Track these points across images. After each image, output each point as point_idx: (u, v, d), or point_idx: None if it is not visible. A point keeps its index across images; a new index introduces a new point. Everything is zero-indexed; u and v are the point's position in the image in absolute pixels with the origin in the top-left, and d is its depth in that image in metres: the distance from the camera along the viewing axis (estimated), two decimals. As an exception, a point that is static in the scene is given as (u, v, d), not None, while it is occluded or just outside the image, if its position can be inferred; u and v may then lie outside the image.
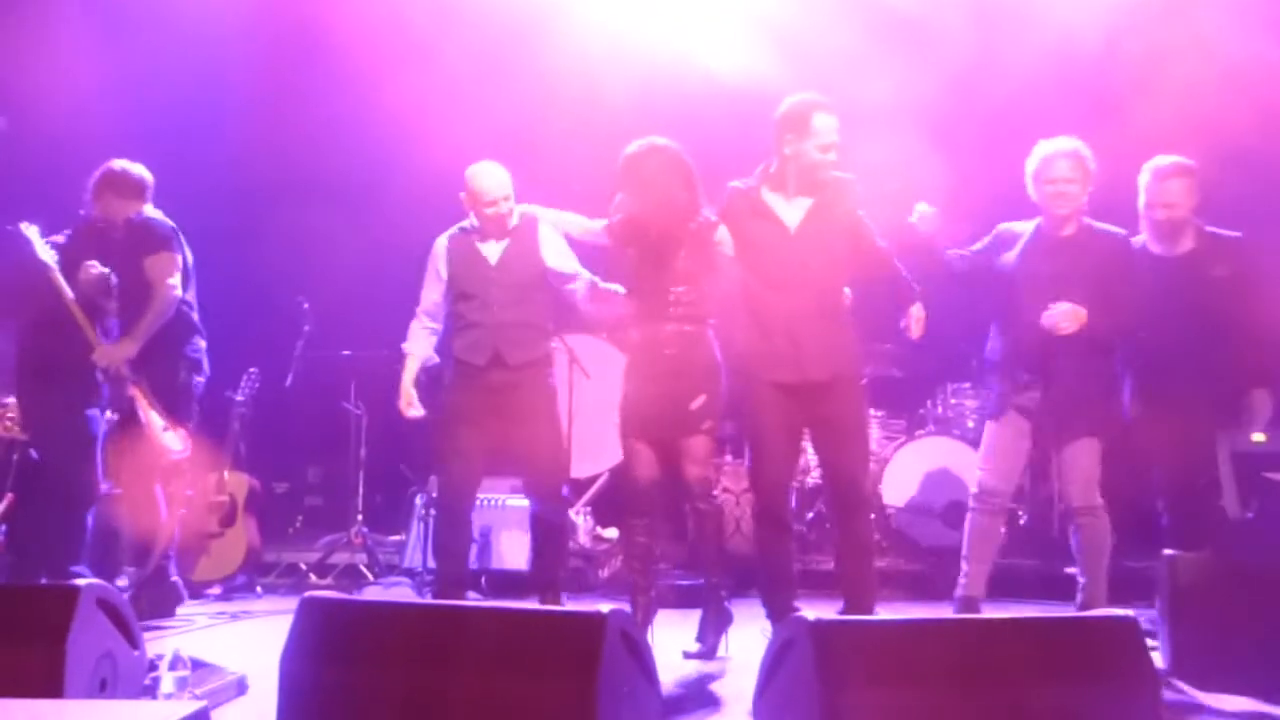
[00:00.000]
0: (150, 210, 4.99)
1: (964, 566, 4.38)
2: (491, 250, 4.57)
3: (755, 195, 4.15)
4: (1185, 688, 3.80)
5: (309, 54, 6.85)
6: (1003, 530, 4.59)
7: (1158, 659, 3.95)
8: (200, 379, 5.06)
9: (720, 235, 4.16)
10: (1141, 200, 4.44)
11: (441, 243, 4.66)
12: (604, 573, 5.97)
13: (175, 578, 4.95)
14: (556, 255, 4.57)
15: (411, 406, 4.64)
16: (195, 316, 5.03)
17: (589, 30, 6.38)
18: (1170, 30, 6.02)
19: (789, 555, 4.21)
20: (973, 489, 4.47)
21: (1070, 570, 5.23)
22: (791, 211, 4.11)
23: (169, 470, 4.90)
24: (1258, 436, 5.86)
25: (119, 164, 4.98)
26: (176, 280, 4.82)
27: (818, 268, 4.06)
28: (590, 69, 6.23)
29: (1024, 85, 6.09)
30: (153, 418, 4.78)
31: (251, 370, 6.14)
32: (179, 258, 4.88)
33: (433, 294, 4.66)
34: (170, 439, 4.82)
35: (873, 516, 6.37)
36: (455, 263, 4.59)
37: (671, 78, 6.30)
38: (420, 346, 4.68)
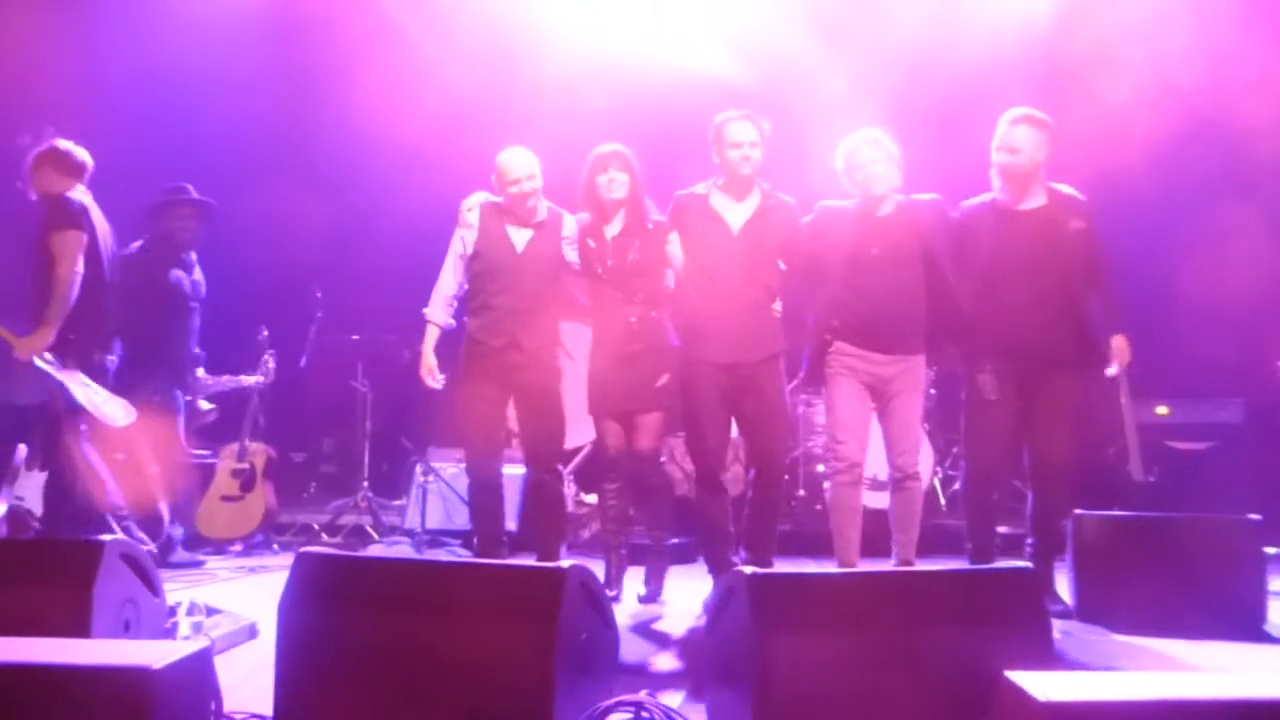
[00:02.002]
0: (80, 192, 4.57)
1: (836, 539, 4.13)
2: (519, 237, 4.31)
3: (704, 200, 4.19)
4: (1085, 628, 3.88)
5: (328, 74, 6.80)
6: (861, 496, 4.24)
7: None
8: (112, 357, 4.70)
9: (671, 237, 4.22)
10: (992, 147, 4.14)
11: (473, 213, 4.34)
12: (585, 533, 6.00)
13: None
14: (571, 250, 4.38)
15: (432, 375, 4.40)
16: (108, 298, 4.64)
17: (571, 41, 6.37)
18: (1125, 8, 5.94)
19: (726, 514, 4.23)
20: (833, 463, 4.16)
21: (1003, 529, 5.26)
22: (736, 216, 4.15)
23: (116, 438, 4.63)
24: (1161, 409, 5.96)
25: (63, 143, 4.60)
26: (78, 260, 4.38)
27: (754, 265, 4.11)
28: (570, 77, 6.22)
29: (979, 64, 5.97)
30: (90, 395, 4.46)
31: (270, 351, 6.15)
32: (84, 237, 4.42)
33: (456, 265, 4.38)
34: (114, 409, 4.52)
35: (827, 485, 6.47)
36: (483, 239, 4.32)
37: (643, 84, 6.27)
38: (442, 315, 4.40)
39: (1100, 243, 4.16)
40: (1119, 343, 4.16)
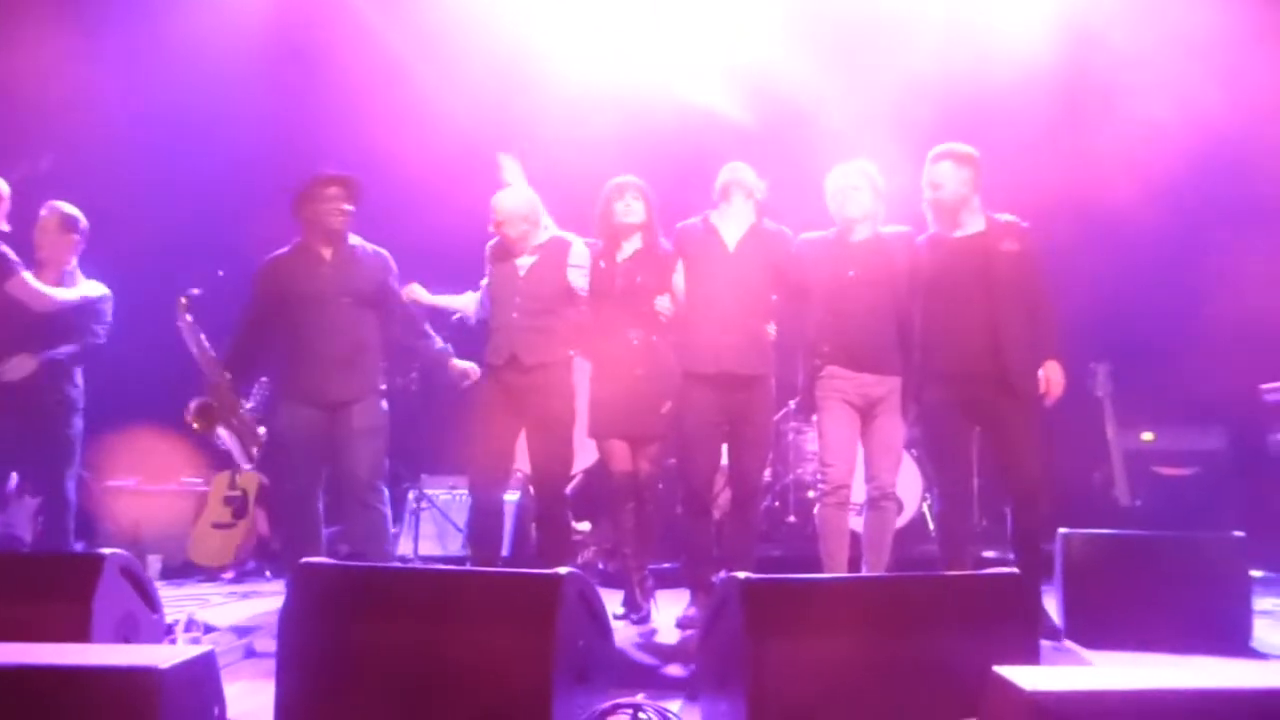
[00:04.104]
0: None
1: (825, 561, 4.15)
2: (522, 263, 4.48)
3: (705, 218, 4.38)
4: (1074, 647, 3.93)
5: (331, 108, 6.82)
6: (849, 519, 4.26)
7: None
8: None
9: (678, 265, 4.36)
10: (921, 184, 4.26)
11: (489, 250, 4.62)
12: (577, 560, 6.03)
13: None
14: (579, 276, 4.46)
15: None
16: None
17: (574, 71, 6.47)
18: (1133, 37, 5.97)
19: (709, 535, 4.32)
20: (821, 485, 4.23)
21: (989, 553, 5.30)
22: (731, 232, 4.32)
23: None
24: (1146, 435, 6.05)
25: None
26: None
27: (747, 282, 4.23)
28: (574, 106, 6.31)
29: (992, 91, 5.98)
30: None
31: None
32: None
33: (484, 293, 4.64)
34: None
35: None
36: (493, 272, 4.56)
37: (648, 115, 6.35)
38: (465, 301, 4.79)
39: (1037, 266, 4.18)
40: (1049, 371, 4.13)
